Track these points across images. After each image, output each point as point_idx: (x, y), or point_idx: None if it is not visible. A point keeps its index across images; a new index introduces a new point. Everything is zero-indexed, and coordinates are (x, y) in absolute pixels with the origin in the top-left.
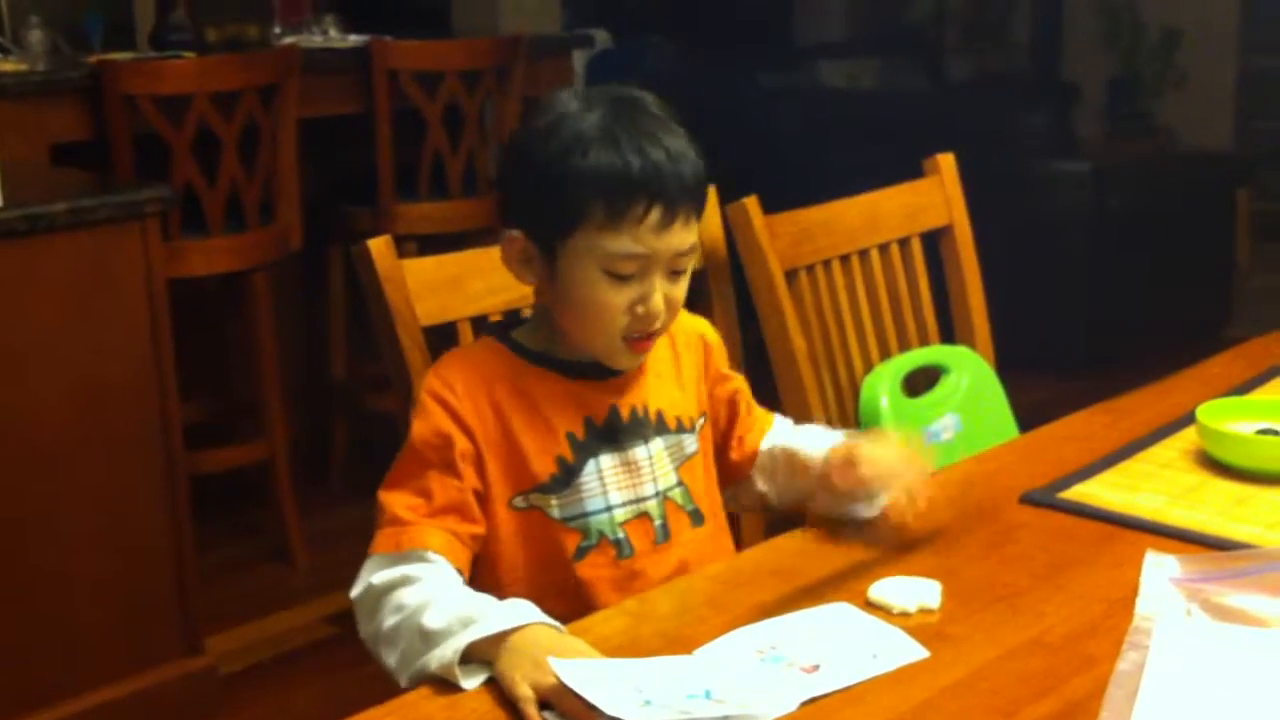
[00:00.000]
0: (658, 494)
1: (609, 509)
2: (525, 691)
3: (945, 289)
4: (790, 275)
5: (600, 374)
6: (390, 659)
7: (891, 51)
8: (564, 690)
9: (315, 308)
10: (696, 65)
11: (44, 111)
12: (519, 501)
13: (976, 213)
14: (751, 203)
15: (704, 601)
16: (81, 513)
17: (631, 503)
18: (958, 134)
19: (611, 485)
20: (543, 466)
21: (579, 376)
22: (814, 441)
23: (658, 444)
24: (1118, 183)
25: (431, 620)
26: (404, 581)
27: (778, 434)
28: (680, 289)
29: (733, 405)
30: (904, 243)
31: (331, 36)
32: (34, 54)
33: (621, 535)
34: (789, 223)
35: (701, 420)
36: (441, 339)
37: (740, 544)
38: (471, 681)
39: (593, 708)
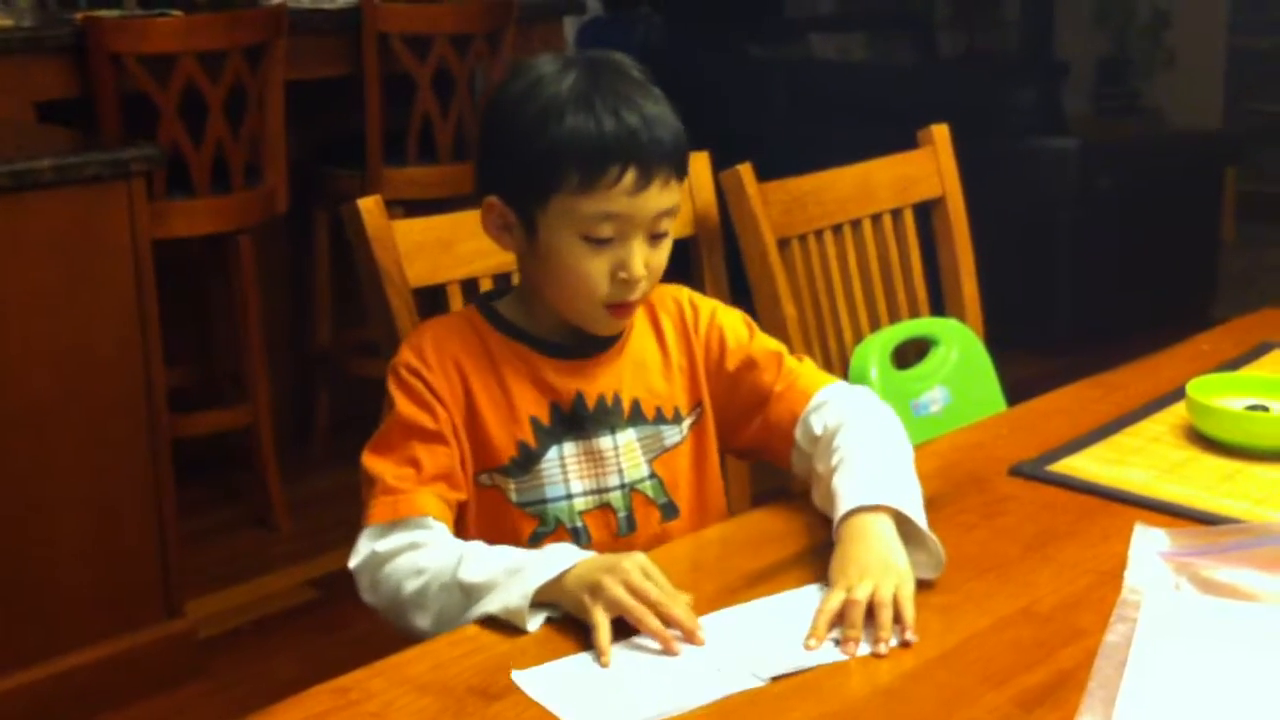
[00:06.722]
0: (623, 486)
1: (569, 497)
2: (597, 617)
3: (936, 261)
4: (782, 244)
5: (573, 354)
6: (422, 620)
7: (883, 25)
8: (643, 612)
9: (300, 272)
10: (687, 36)
11: (29, 68)
12: (484, 479)
13: (964, 188)
14: (745, 169)
15: (692, 568)
16: (63, 474)
17: (593, 493)
18: (947, 109)
19: (573, 474)
20: (503, 448)
21: (552, 355)
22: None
23: (628, 434)
24: (1106, 161)
25: (471, 575)
26: (412, 546)
27: (816, 417)
28: (661, 255)
29: (753, 387)
30: (896, 213)
31: None
32: (20, 10)
33: (580, 525)
34: (781, 191)
35: (694, 413)
36: (431, 301)
37: (729, 513)
38: (535, 623)
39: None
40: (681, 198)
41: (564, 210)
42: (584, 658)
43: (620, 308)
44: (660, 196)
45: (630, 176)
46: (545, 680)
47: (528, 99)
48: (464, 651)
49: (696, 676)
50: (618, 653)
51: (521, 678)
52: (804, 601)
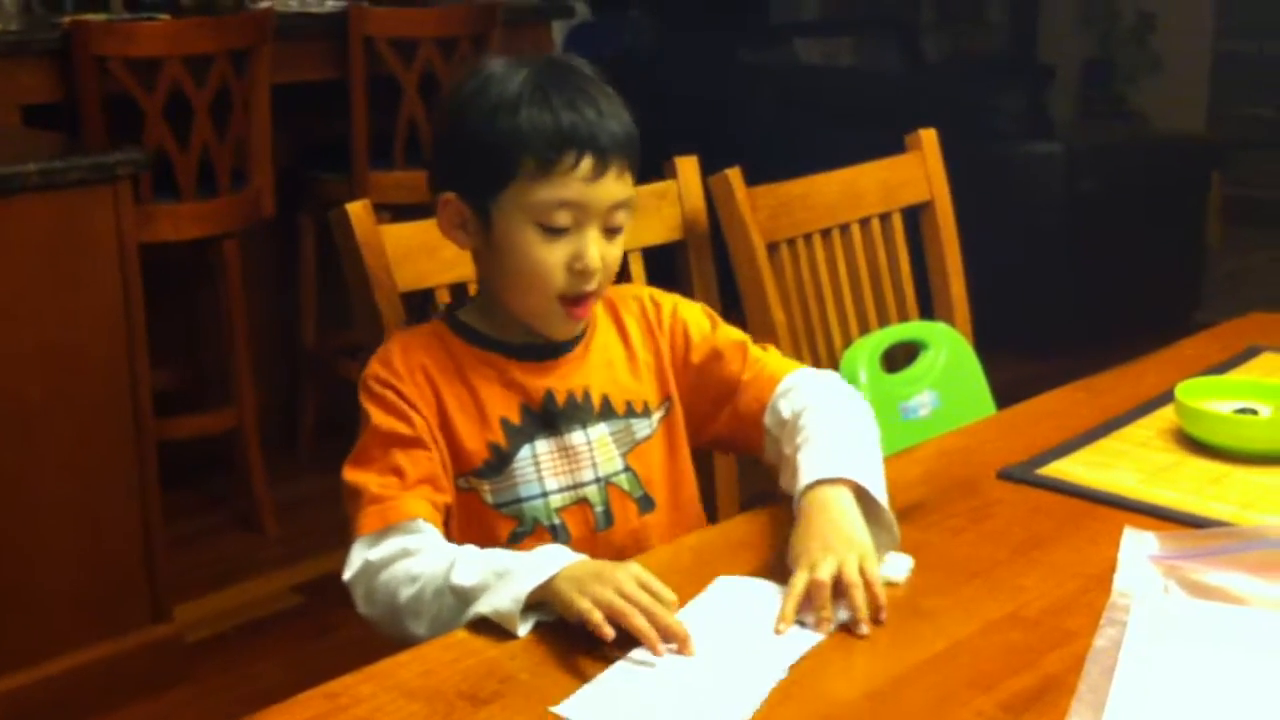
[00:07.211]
0: (598, 480)
1: (544, 495)
2: (585, 605)
3: (924, 265)
4: (770, 248)
5: (539, 355)
6: (418, 627)
7: (868, 30)
8: (629, 609)
9: (286, 276)
10: (676, 40)
11: (15, 72)
12: (461, 483)
13: (952, 192)
14: (734, 174)
15: (673, 573)
16: (49, 478)
17: (569, 489)
18: (933, 113)
19: (547, 471)
20: (476, 451)
21: (519, 358)
22: (805, 460)
23: (600, 429)
24: (1091, 165)
25: (463, 578)
26: (404, 554)
27: (784, 402)
28: (615, 250)
29: (720, 378)
30: (884, 218)
31: (307, 1)
32: (6, 14)
33: (558, 522)
34: (769, 195)
35: (664, 407)
36: (419, 305)
37: (716, 517)
38: (525, 627)
39: None
40: (670, 202)
41: (520, 200)
42: (617, 670)
43: (575, 302)
44: (615, 187)
45: (587, 164)
46: (591, 704)
47: (480, 94)
48: (454, 656)
49: (731, 680)
50: (636, 669)
51: (566, 709)
52: (753, 590)
